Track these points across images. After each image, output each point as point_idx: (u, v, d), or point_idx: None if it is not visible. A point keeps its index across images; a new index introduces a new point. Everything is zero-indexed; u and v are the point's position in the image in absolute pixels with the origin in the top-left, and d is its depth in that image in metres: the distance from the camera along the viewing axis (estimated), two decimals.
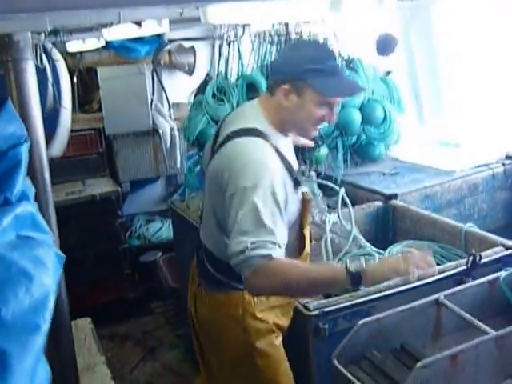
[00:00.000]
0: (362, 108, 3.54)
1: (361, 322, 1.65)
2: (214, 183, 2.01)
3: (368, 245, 2.81)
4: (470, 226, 2.76)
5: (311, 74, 1.94)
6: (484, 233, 2.70)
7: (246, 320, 2.05)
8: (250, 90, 3.37)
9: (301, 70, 1.94)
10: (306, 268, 1.95)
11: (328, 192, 3.20)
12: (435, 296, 1.77)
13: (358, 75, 3.50)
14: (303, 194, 2.19)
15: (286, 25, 3.49)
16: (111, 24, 2.32)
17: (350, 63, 3.57)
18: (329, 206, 3.05)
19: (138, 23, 2.33)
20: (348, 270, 1.74)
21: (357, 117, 3.49)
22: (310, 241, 2.30)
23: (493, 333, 1.58)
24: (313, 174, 3.23)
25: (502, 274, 1.93)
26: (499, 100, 3.90)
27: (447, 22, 4.07)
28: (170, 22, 2.65)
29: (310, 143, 2.54)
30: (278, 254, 1.82)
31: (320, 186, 3.22)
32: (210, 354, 2.26)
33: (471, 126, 3.82)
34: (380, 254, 2.73)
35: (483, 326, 1.64)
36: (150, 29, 2.51)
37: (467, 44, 4.00)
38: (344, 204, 2.91)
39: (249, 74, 3.44)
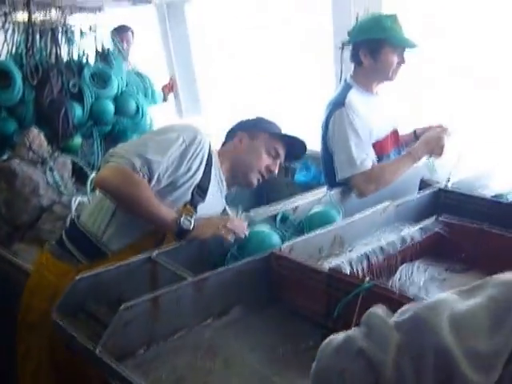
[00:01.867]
0: (116, 99, 3.72)
1: (78, 277, 1.82)
2: None
3: None
4: None
5: (267, 127, 2.42)
6: None
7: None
8: (2, 78, 3.38)
9: (260, 125, 2.43)
10: (153, 197, 2.05)
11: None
12: (149, 253, 2.00)
13: (112, 67, 3.68)
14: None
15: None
16: None
17: (105, 55, 3.73)
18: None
19: None
20: (179, 224, 2.03)
21: (110, 108, 3.67)
22: None
23: (190, 278, 1.83)
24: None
25: None
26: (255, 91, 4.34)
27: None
28: None
29: None
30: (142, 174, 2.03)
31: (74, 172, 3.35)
32: None
33: (227, 118, 4.18)
34: None
35: (185, 274, 1.88)
36: None
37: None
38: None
39: (0, 62, 3.44)
